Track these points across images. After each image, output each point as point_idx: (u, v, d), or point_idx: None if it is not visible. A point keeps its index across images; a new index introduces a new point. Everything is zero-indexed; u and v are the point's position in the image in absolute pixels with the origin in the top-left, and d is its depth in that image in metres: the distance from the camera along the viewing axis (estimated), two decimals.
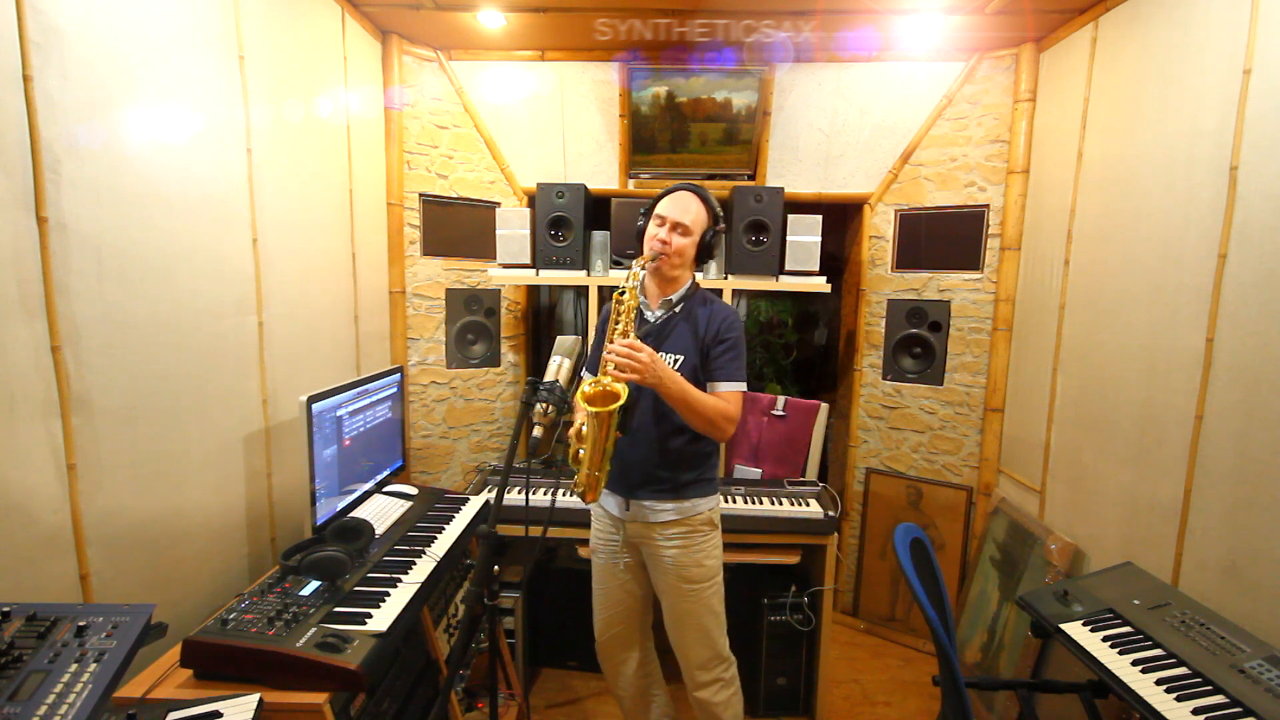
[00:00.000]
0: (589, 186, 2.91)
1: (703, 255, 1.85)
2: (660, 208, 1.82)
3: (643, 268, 1.76)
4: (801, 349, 3.64)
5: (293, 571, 1.65)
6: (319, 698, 1.34)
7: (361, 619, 1.51)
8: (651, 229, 1.81)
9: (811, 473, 2.77)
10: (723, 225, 1.88)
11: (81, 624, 1.11)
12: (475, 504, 2.31)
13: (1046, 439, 2.50)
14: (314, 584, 1.63)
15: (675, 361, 1.78)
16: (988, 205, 2.84)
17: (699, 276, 2.73)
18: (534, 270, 2.80)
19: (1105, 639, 1.59)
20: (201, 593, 1.73)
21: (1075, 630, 1.64)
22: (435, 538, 1.99)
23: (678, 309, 1.84)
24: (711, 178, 3.04)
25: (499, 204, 3.03)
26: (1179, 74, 1.92)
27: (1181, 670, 1.44)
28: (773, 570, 2.49)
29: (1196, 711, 1.33)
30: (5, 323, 1.23)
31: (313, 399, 1.84)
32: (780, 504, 2.44)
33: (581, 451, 1.64)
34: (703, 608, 1.85)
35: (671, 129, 2.93)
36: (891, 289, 3.05)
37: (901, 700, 2.65)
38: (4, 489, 1.23)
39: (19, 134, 1.25)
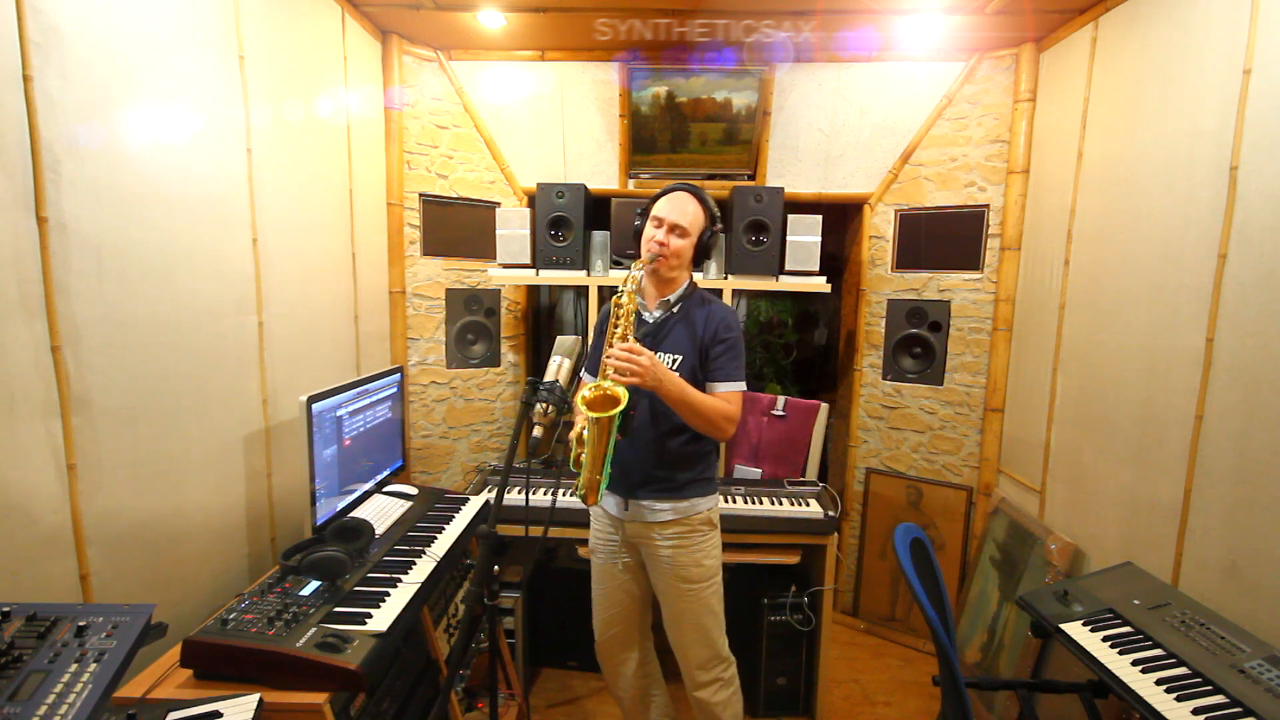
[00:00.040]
0: (589, 186, 2.91)
1: (700, 256, 1.85)
2: (657, 209, 1.81)
3: (640, 270, 1.76)
4: (801, 349, 3.64)
5: (293, 571, 1.65)
6: (319, 698, 1.34)
7: (361, 619, 1.51)
8: (649, 230, 1.81)
9: (811, 473, 2.77)
10: (720, 225, 1.88)
11: (81, 624, 1.11)
12: (475, 504, 2.31)
13: (1046, 439, 2.50)
14: (314, 584, 1.63)
15: (673, 361, 1.78)
16: (988, 205, 2.84)
17: (698, 276, 2.75)
18: (534, 270, 2.80)
19: (1105, 639, 1.59)
20: (201, 593, 1.73)
21: (1075, 630, 1.64)
22: (435, 538, 1.99)
23: (675, 309, 1.84)
24: (711, 178, 3.04)
25: (499, 204, 3.03)
26: (1179, 74, 1.92)
27: (1181, 670, 1.44)
28: (773, 570, 2.49)
29: (1197, 711, 1.33)
30: (5, 323, 1.23)
31: (313, 399, 1.84)
32: (780, 504, 2.44)
33: (583, 455, 1.64)
34: (702, 607, 1.85)
35: (671, 129, 2.93)
36: (891, 289, 3.05)
37: (901, 700, 2.65)
38: (4, 489, 1.23)
39: (19, 134, 1.25)
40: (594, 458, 1.60)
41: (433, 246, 2.95)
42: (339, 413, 2.00)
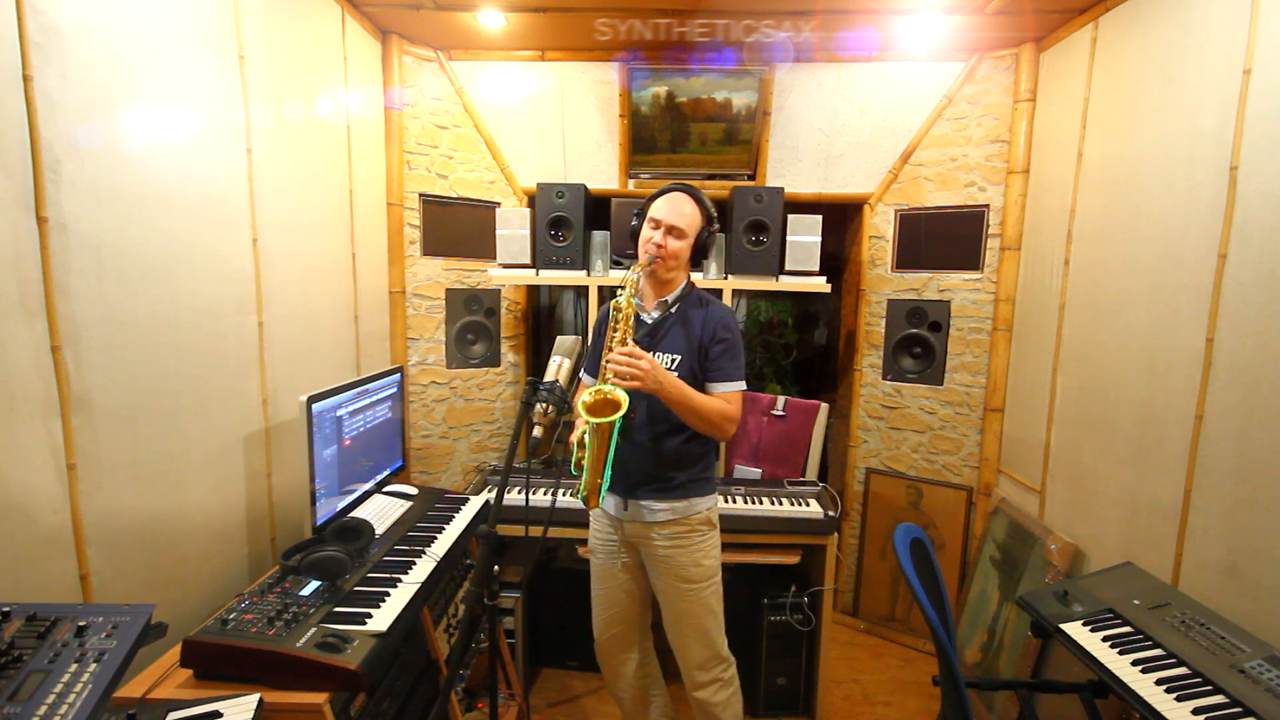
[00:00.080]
0: (589, 186, 2.91)
1: (697, 256, 1.85)
2: (654, 210, 1.81)
3: (638, 274, 1.76)
4: (801, 349, 3.64)
5: (293, 571, 1.65)
6: (319, 698, 1.34)
7: (361, 619, 1.51)
8: (646, 232, 1.81)
9: (811, 473, 2.77)
10: (717, 225, 1.88)
11: (81, 624, 1.11)
12: (475, 504, 2.31)
13: (1046, 439, 2.50)
14: (314, 584, 1.63)
15: (672, 361, 1.79)
16: (988, 205, 2.84)
17: (697, 276, 2.75)
18: (534, 270, 2.80)
19: (1105, 639, 1.59)
20: (201, 593, 1.73)
21: (1075, 630, 1.64)
22: (435, 538, 1.99)
23: (673, 310, 1.84)
24: (711, 178, 3.04)
25: (499, 204, 3.03)
26: (1179, 74, 1.92)
27: (1181, 670, 1.44)
28: (773, 570, 2.49)
29: (1197, 711, 1.33)
30: (5, 323, 1.23)
31: (313, 399, 1.84)
32: (780, 504, 2.44)
33: (584, 459, 1.64)
34: (701, 607, 1.85)
35: (671, 129, 2.93)
36: (891, 289, 3.05)
37: (901, 700, 2.65)
38: (4, 489, 1.23)
39: (19, 134, 1.25)
40: (595, 461, 1.60)
41: (433, 246, 2.95)
42: (339, 413, 2.00)
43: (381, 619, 1.52)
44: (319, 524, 1.88)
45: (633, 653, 1.98)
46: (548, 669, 2.79)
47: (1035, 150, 2.70)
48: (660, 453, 1.79)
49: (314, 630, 1.43)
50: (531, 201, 2.96)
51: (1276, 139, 1.59)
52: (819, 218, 2.73)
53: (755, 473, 2.82)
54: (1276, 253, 1.57)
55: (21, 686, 0.98)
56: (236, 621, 1.44)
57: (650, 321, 1.84)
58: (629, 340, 1.68)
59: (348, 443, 2.06)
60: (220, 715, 1.23)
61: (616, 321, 1.71)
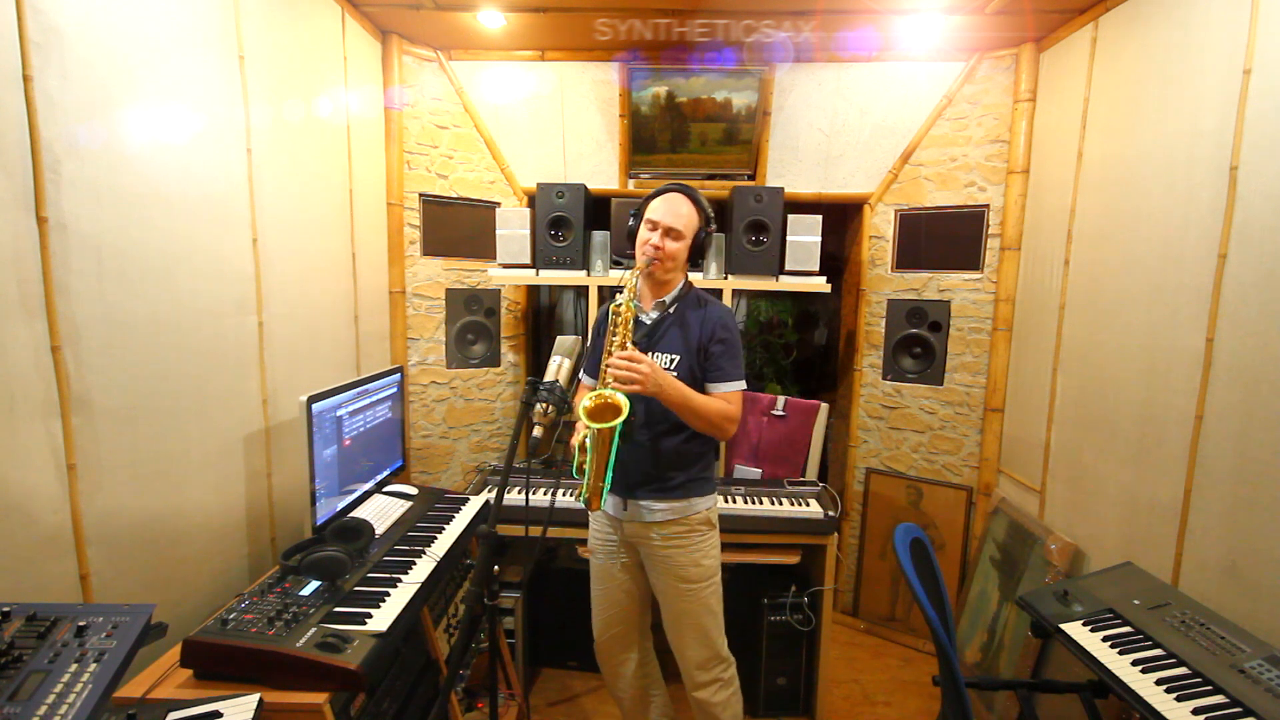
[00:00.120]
0: (589, 186, 2.91)
1: (695, 256, 1.86)
2: (651, 211, 1.81)
3: (636, 277, 1.76)
4: (801, 349, 3.64)
5: (293, 571, 1.65)
6: (319, 698, 1.34)
7: (361, 619, 1.51)
8: (643, 233, 1.81)
9: (811, 473, 2.77)
10: (714, 225, 1.88)
11: (81, 624, 1.11)
12: (475, 504, 2.31)
13: (1046, 439, 2.50)
14: (314, 584, 1.63)
15: (670, 362, 1.79)
16: (988, 205, 2.84)
17: (698, 277, 2.75)
18: (534, 270, 2.80)
19: (1105, 639, 1.59)
20: (201, 593, 1.73)
21: (1075, 630, 1.64)
22: (435, 538, 1.99)
23: (671, 310, 1.84)
24: (711, 178, 3.04)
25: (499, 204, 3.03)
26: (1179, 74, 1.92)
27: (1181, 670, 1.44)
28: (773, 570, 2.49)
29: (1197, 711, 1.33)
30: (5, 323, 1.23)
31: (313, 399, 1.84)
32: (780, 504, 2.44)
33: (585, 463, 1.64)
34: (701, 608, 1.85)
35: (671, 129, 2.93)
36: (891, 289, 3.05)
37: (901, 700, 2.65)
38: (4, 489, 1.23)
39: (19, 134, 1.25)
40: (597, 465, 1.61)
41: (433, 246, 2.95)
42: (339, 413, 2.00)
43: (381, 619, 1.52)
44: (319, 524, 1.88)
45: (632, 653, 1.98)
46: (548, 669, 2.79)
47: (1035, 150, 2.70)
48: (659, 453, 1.79)
49: (314, 630, 1.43)
50: (531, 201, 2.96)
51: (1276, 139, 1.59)
52: (819, 218, 2.73)
53: (755, 473, 2.82)
54: (1276, 253, 1.57)
55: (21, 686, 0.98)
56: (236, 621, 1.44)
57: (648, 322, 1.84)
58: (628, 344, 1.68)
59: (348, 443, 2.06)
60: (220, 715, 1.23)
61: (615, 325, 1.71)
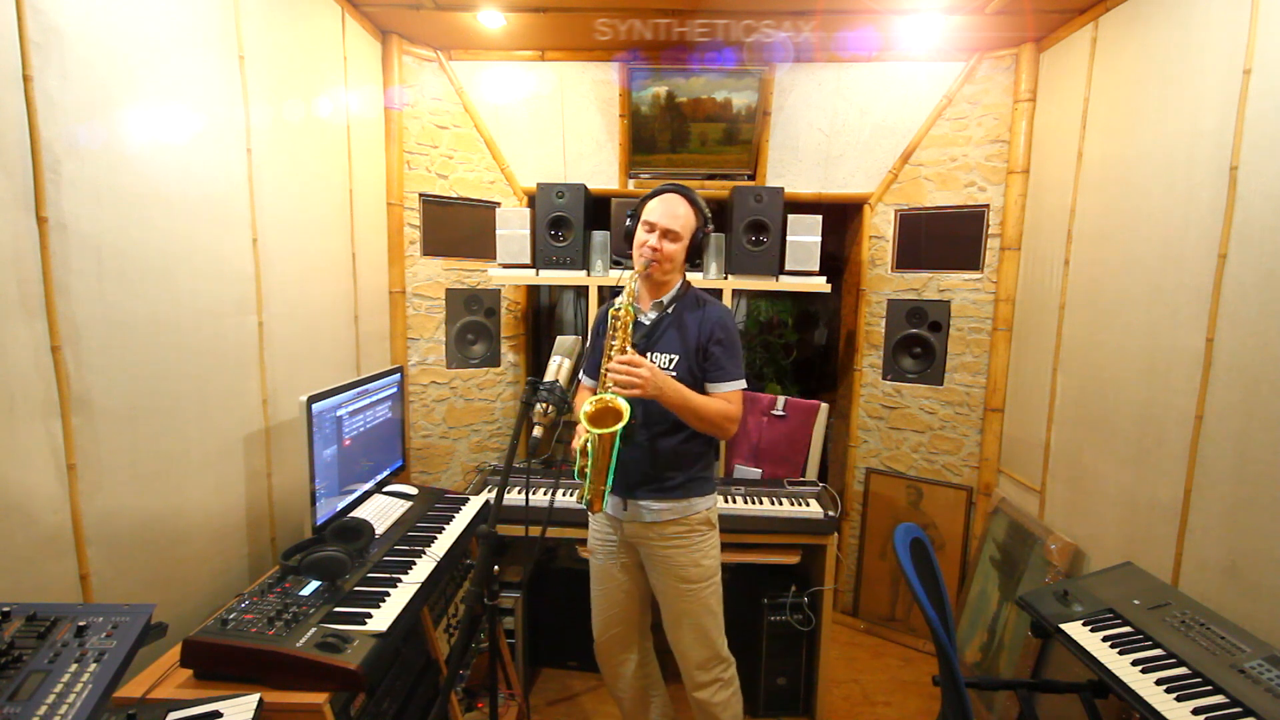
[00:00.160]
0: (589, 186, 2.91)
1: (692, 256, 1.86)
2: (648, 213, 1.81)
3: (634, 279, 1.76)
4: (801, 349, 3.64)
5: (293, 571, 1.65)
6: (319, 698, 1.34)
7: (361, 619, 1.51)
8: (641, 235, 1.81)
9: (811, 473, 2.77)
10: (711, 226, 1.88)
11: (81, 624, 1.11)
12: (475, 504, 2.31)
13: (1046, 439, 2.50)
14: (314, 584, 1.63)
15: (669, 362, 1.79)
16: (988, 205, 2.84)
17: (698, 277, 2.75)
18: (534, 270, 2.80)
19: (1105, 639, 1.59)
20: (201, 593, 1.73)
21: (1075, 630, 1.64)
22: (435, 538, 1.99)
23: (669, 311, 1.84)
24: (711, 178, 3.04)
25: (499, 204, 3.03)
26: (1179, 74, 1.92)
27: (1181, 670, 1.44)
28: (773, 570, 2.49)
29: (1197, 711, 1.33)
30: (5, 323, 1.23)
31: (313, 399, 1.84)
32: (780, 504, 2.44)
33: (586, 467, 1.64)
34: (701, 608, 1.85)
35: (671, 129, 2.93)
36: (891, 289, 3.05)
37: (901, 700, 2.65)
38: (4, 489, 1.23)
39: (19, 134, 1.25)
40: (598, 468, 1.61)
41: (433, 246, 2.95)
42: (339, 413, 2.00)
43: (381, 619, 1.52)
44: (319, 524, 1.88)
45: (632, 653, 1.98)
46: (548, 669, 2.79)
47: (1035, 150, 2.70)
48: (658, 453, 1.79)
49: (314, 630, 1.43)
50: (531, 201, 2.96)
51: (1276, 139, 1.59)
52: (819, 218, 2.73)
53: (755, 473, 2.82)
54: (1276, 253, 1.57)
55: (21, 686, 0.98)
56: (236, 621, 1.44)
57: (646, 323, 1.84)
58: (628, 348, 1.68)
59: (348, 443, 2.06)
60: (220, 715, 1.23)
61: (615, 329, 1.71)
